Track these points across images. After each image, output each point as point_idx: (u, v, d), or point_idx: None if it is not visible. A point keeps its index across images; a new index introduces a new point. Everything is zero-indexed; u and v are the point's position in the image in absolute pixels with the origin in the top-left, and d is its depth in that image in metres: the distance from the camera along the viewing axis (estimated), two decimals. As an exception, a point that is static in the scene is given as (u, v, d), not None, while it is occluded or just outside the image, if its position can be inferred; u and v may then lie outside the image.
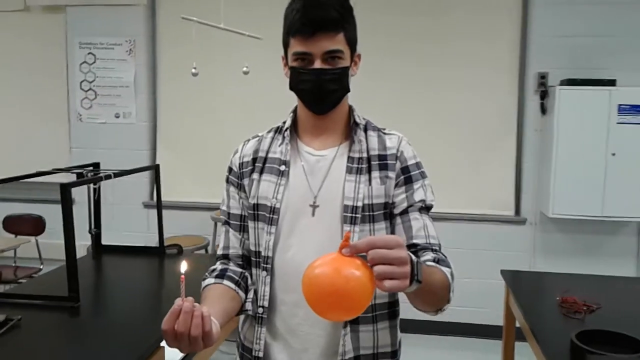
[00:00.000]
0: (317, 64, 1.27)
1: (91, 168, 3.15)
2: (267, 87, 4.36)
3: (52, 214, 4.18)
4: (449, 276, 1.23)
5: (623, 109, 3.85)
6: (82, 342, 2.01)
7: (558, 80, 4.05)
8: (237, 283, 1.35)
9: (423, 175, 1.37)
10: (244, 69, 3.13)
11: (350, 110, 1.41)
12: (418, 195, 1.34)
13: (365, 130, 1.39)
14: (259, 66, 3.99)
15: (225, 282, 1.33)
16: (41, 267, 4.37)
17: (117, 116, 4.67)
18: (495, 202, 4.37)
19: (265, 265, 1.34)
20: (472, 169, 4.36)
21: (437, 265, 1.23)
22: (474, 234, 4.34)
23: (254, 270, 1.39)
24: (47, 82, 4.80)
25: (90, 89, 4.68)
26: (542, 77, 4.13)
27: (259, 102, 4.48)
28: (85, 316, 2.36)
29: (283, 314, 1.34)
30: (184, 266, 1.05)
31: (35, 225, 4.49)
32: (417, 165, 1.37)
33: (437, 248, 1.32)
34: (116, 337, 2.07)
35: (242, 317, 1.44)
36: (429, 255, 1.27)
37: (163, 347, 1.99)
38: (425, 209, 1.35)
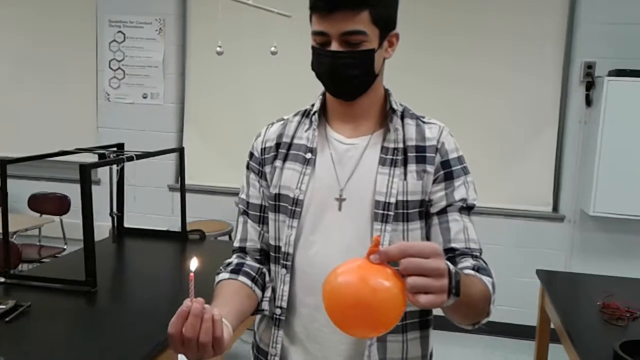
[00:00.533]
0: (334, 46, 1.13)
1: (115, 149, 3.08)
2: (296, 69, 4.22)
3: (78, 194, 4.12)
4: (490, 287, 1.10)
5: (675, 103, 3.61)
6: (95, 332, 1.93)
7: (606, 70, 3.83)
8: (253, 279, 1.23)
9: (465, 171, 1.22)
10: (272, 49, 2.99)
11: (387, 94, 1.27)
12: (459, 194, 1.19)
13: (402, 118, 1.24)
14: (288, 46, 3.85)
15: (241, 277, 1.21)
16: (65, 247, 4.35)
17: (144, 97, 4.60)
18: (531, 197, 4.17)
19: (285, 262, 1.22)
20: (508, 161, 4.17)
21: (477, 275, 1.09)
22: (508, 230, 4.16)
23: (272, 267, 1.27)
24: (76, 60, 4.75)
25: (119, 68, 4.62)
26: (589, 66, 3.90)
27: (288, 84, 4.34)
28: (101, 302, 2.29)
29: (303, 317, 1.22)
30: (193, 264, 0.94)
31: (60, 205, 4.46)
32: (460, 159, 1.22)
33: (478, 254, 1.18)
34: (130, 327, 1.99)
35: (258, 315, 1.32)
36: (467, 262, 1.14)
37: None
38: (467, 209, 1.21)
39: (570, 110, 4.04)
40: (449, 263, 0.89)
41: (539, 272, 2.97)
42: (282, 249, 1.22)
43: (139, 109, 4.62)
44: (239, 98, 4.51)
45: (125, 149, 3.15)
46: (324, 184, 1.21)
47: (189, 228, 3.29)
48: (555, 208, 4.17)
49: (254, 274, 1.24)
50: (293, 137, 1.27)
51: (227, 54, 3.38)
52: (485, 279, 1.10)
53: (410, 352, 1.21)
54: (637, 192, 3.72)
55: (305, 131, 1.26)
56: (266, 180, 1.28)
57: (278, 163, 1.26)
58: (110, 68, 4.63)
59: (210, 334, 0.92)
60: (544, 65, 4.07)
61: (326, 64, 1.15)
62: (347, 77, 1.15)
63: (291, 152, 1.26)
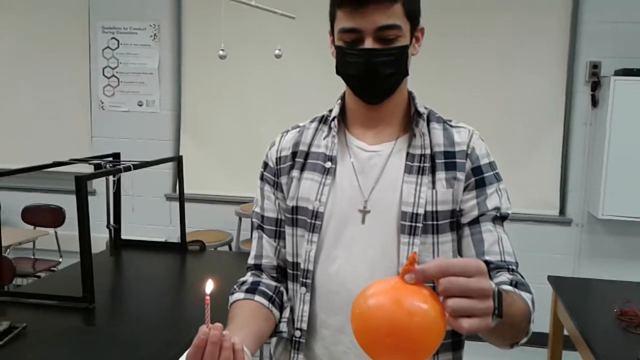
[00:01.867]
0: (368, 43, 1.04)
1: (111, 159, 2.98)
2: (301, 73, 4.14)
3: (73, 205, 4.02)
4: (530, 304, 1.01)
5: (684, 103, 3.56)
6: (94, 354, 1.82)
7: (612, 70, 3.76)
8: (270, 299, 1.14)
9: (498, 178, 1.14)
10: (276, 51, 2.89)
11: (410, 97, 1.18)
12: (492, 202, 1.11)
13: (428, 122, 1.15)
14: (292, 49, 3.76)
15: (257, 298, 1.12)
16: (60, 260, 4.23)
17: (140, 104, 4.50)
18: (537, 200, 4.08)
19: (304, 280, 1.12)
20: (513, 164, 4.08)
21: (517, 291, 1.00)
22: (513, 234, 3.98)
23: (290, 285, 1.18)
24: (69, 68, 4.63)
25: (113, 75, 4.52)
26: (594, 66, 3.84)
27: (292, 89, 4.25)
28: (100, 320, 2.19)
29: (325, 340, 1.12)
30: (209, 286, 0.85)
31: (54, 217, 4.34)
32: (492, 165, 1.14)
33: (514, 267, 1.09)
34: (131, 346, 1.88)
35: (274, 338, 1.22)
36: (504, 277, 1.05)
37: (183, 361, 1.78)
38: (500, 219, 1.12)
39: (576, 111, 3.97)
40: (492, 282, 0.80)
41: (551, 278, 2.90)
42: (301, 266, 1.13)
43: (134, 117, 4.52)
44: (237, 104, 4.41)
45: (121, 158, 3.05)
46: (346, 195, 1.11)
47: (188, 239, 3.19)
48: (562, 211, 4.09)
49: (271, 294, 1.14)
50: (310, 145, 1.18)
51: (225, 59, 3.29)
52: (525, 295, 1.01)
53: None
54: (646, 194, 3.65)
55: (324, 138, 1.18)
56: (282, 192, 1.19)
57: (295, 173, 1.17)
58: (104, 75, 4.53)
59: None
60: (548, 65, 3.99)
61: (360, 64, 1.06)
62: (381, 77, 1.07)
63: (309, 161, 1.17)
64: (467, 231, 1.10)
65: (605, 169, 3.69)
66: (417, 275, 0.74)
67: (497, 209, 1.11)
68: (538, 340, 3.77)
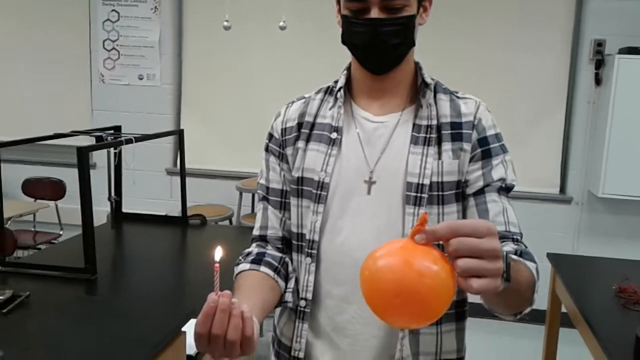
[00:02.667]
0: (374, 13, 1.03)
1: (112, 131, 2.96)
2: (307, 45, 4.10)
3: (73, 178, 4.00)
4: (535, 273, 1.01)
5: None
6: (97, 323, 1.84)
7: (616, 48, 3.73)
8: (276, 270, 1.14)
9: (504, 149, 1.13)
10: (281, 23, 2.86)
11: (417, 67, 1.16)
12: (497, 173, 1.10)
13: (435, 94, 1.14)
14: (297, 22, 3.71)
15: (263, 268, 1.12)
16: (61, 232, 4.24)
17: (140, 78, 4.47)
18: (538, 179, 4.09)
19: (309, 251, 1.12)
20: (514, 142, 4.03)
21: (522, 260, 1.00)
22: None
23: (295, 256, 1.18)
24: (69, 40, 4.59)
25: (113, 48, 4.48)
26: (599, 44, 3.81)
27: (296, 62, 4.21)
28: (102, 290, 2.20)
29: (329, 310, 1.13)
30: (218, 253, 0.84)
31: (55, 190, 4.34)
32: (497, 136, 1.13)
33: (519, 238, 1.09)
34: (134, 317, 1.89)
35: (278, 308, 1.22)
36: (509, 247, 1.05)
37: (184, 332, 1.80)
38: (505, 189, 1.11)
39: (579, 90, 3.95)
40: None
41: (550, 255, 2.91)
42: (307, 237, 1.13)
43: (134, 90, 4.49)
44: (239, 78, 4.38)
45: (122, 131, 3.04)
46: (352, 165, 1.11)
47: (188, 213, 3.19)
48: (563, 190, 4.09)
49: (276, 264, 1.14)
50: (316, 116, 1.18)
51: (227, 32, 3.25)
52: (530, 264, 1.01)
53: (445, 346, 1.13)
54: (647, 173, 3.65)
55: (330, 109, 1.17)
56: (287, 163, 1.18)
57: (300, 144, 1.16)
58: (105, 48, 4.49)
59: (240, 331, 0.83)
60: (551, 43, 3.96)
61: (365, 34, 1.05)
62: (387, 47, 1.06)
63: (315, 132, 1.16)
64: (472, 202, 1.10)
65: (606, 147, 3.69)
66: (428, 236, 0.74)
67: (503, 180, 1.10)
68: (536, 317, 3.80)
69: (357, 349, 1.11)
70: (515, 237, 1.08)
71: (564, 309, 2.70)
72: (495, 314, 1.01)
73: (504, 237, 1.07)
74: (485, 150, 1.10)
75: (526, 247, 1.08)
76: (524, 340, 3.88)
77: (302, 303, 1.14)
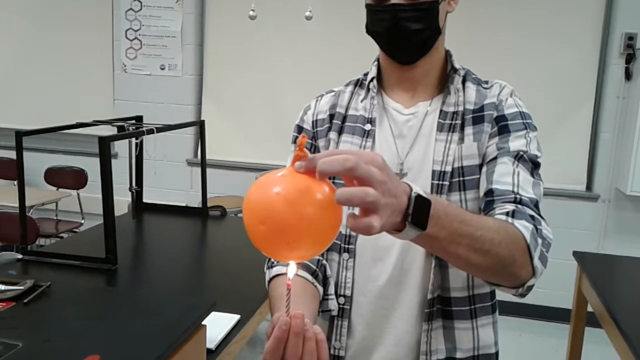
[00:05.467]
0: None
1: (134, 121, 2.95)
2: (332, 36, 4.04)
3: (95, 167, 4.03)
4: (525, 232, 0.88)
5: None
6: (115, 316, 1.83)
7: (648, 42, 3.62)
8: (314, 274, 1.07)
9: (528, 127, 1.06)
10: (307, 13, 2.80)
11: (448, 55, 1.13)
12: (514, 144, 1.02)
13: (464, 81, 1.11)
14: (324, 11, 3.65)
15: (301, 272, 1.04)
16: (82, 221, 4.27)
17: (162, 68, 4.46)
18: (564, 175, 3.98)
19: (346, 246, 1.09)
20: (541, 136, 3.90)
21: (506, 219, 0.89)
22: None
23: (327, 255, 1.12)
24: (92, 30, 4.59)
25: (135, 38, 4.47)
26: (630, 38, 3.70)
27: (321, 54, 4.15)
28: (122, 281, 2.19)
29: (361, 307, 1.10)
30: (292, 269, 0.73)
31: (77, 179, 4.37)
32: (522, 114, 1.07)
33: (528, 203, 0.95)
34: (155, 309, 1.88)
35: None
36: (503, 209, 0.93)
37: (204, 325, 1.78)
38: (524, 160, 1.01)
39: (608, 84, 3.85)
40: (411, 183, 0.73)
41: (576, 254, 2.85)
42: (342, 232, 1.09)
43: (156, 80, 4.48)
44: (262, 70, 4.34)
45: (144, 121, 3.03)
46: (385, 158, 1.07)
47: (208, 204, 3.18)
48: (589, 187, 4.00)
49: (314, 267, 1.08)
50: (347, 108, 1.14)
51: (249, 22, 3.21)
52: (518, 222, 0.89)
53: (483, 340, 1.09)
54: (678, 171, 3.55)
55: (362, 101, 1.14)
56: None
57: (333, 135, 1.13)
58: (127, 38, 4.49)
59: (315, 356, 0.74)
60: (581, 36, 3.86)
61: (386, 21, 1.01)
62: (408, 34, 1.01)
63: (347, 124, 1.13)
64: (484, 169, 1.03)
65: (636, 144, 3.59)
66: (308, 163, 0.67)
67: (522, 151, 1.02)
68: (561, 316, 3.75)
69: (386, 342, 1.08)
70: (519, 198, 0.95)
71: (589, 309, 2.64)
72: (488, 283, 0.92)
73: (502, 195, 0.96)
74: (503, 125, 1.05)
75: (539, 214, 0.95)
76: (543, 338, 3.82)
77: (342, 300, 1.10)
